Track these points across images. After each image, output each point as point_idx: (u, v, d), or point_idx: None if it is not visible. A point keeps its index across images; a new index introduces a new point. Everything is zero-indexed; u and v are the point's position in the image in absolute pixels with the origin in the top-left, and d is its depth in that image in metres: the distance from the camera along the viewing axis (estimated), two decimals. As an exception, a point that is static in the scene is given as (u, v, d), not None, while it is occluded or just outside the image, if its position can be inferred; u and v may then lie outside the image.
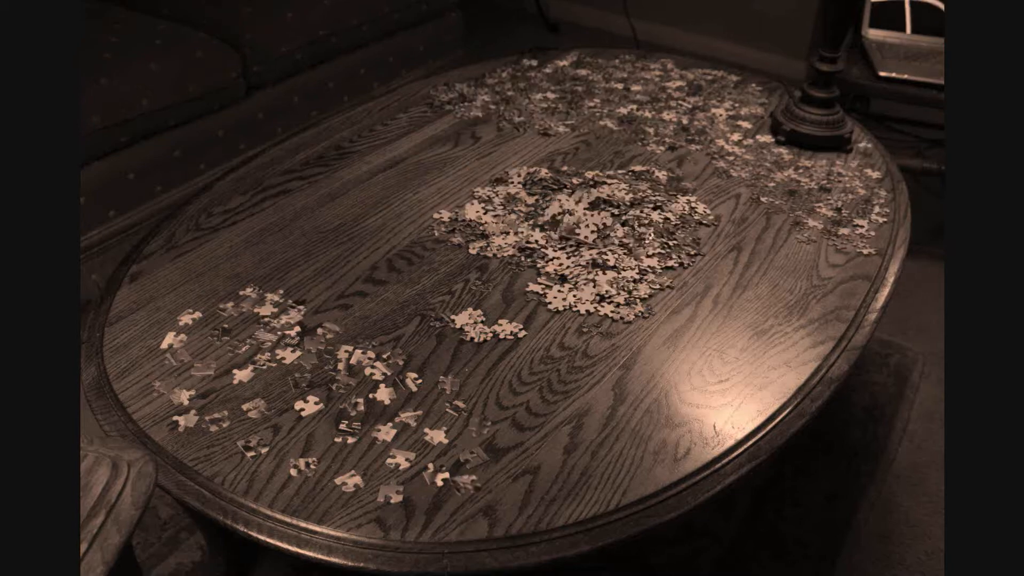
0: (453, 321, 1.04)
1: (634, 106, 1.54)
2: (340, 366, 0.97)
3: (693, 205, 1.27)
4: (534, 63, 1.68)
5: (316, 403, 0.92)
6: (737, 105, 1.57)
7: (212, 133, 1.95)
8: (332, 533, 0.80)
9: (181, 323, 1.02)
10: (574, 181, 1.30)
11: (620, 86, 1.61)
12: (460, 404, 0.93)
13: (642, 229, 1.21)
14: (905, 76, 2.12)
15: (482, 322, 1.04)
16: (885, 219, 1.27)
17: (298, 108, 2.15)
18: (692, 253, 1.17)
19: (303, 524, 0.81)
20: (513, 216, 1.21)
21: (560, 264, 1.13)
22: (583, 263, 1.14)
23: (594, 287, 1.10)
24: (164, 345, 0.99)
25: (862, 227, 1.25)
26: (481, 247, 1.16)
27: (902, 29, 2.32)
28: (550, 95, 1.56)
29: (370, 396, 0.94)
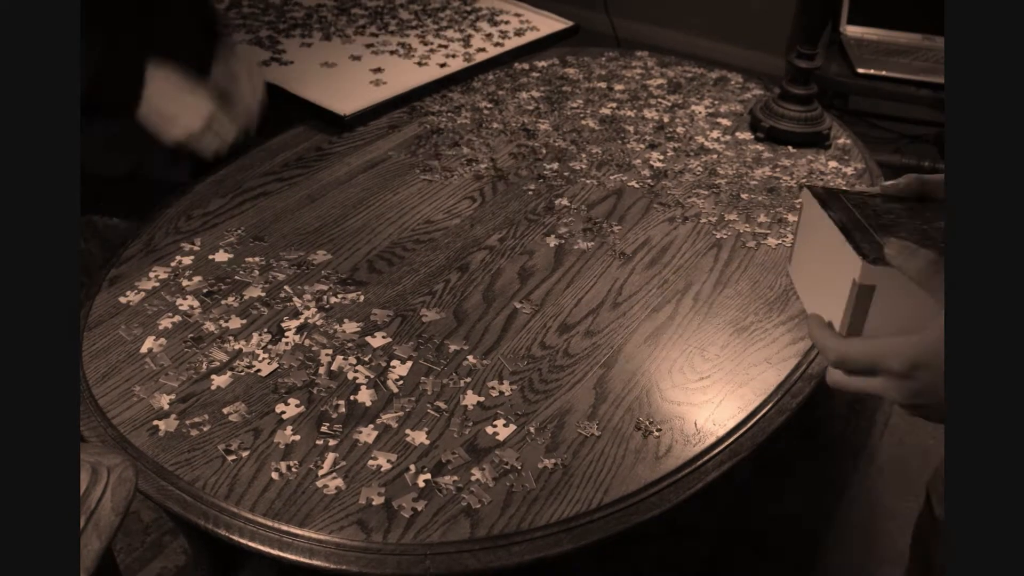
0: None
1: (614, 104, 1.54)
2: (321, 369, 0.97)
3: (679, 200, 1.28)
4: (525, 66, 1.67)
5: (297, 406, 0.92)
6: (716, 102, 1.57)
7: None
8: (314, 536, 0.80)
9: (161, 327, 1.02)
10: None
11: (603, 85, 1.61)
12: (441, 405, 0.93)
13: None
14: (883, 73, 2.14)
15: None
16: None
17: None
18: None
19: (284, 527, 0.80)
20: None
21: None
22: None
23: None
24: (144, 350, 0.99)
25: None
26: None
27: (880, 25, 2.34)
28: (536, 94, 1.56)
29: (351, 398, 0.93)
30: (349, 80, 1.52)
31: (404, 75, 1.56)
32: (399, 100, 1.50)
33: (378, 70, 1.56)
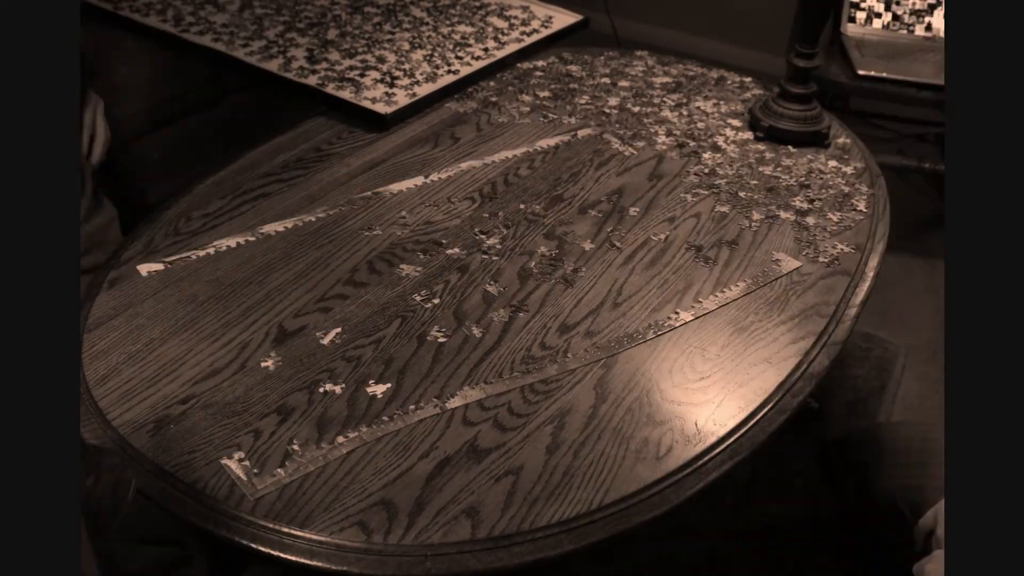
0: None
1: (618, 102, 1.54)
2: (322, 371, 0.97)
3: (680, 200, 1.28)
4: (528, 65, 1.67)
5: (298, 406, 0.92)
6: (718, 102, 1.57)
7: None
8: (314, 537, 0.80)
9: (161, 329, 1.01)
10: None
11: (607, 80, 1.61)
12: (442, 404, 0.93)
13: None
14: (884, 74, 2.14)
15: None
16: (864, 214, 1.28)
17: (277, 109, 2.14)
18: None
19: (285, 529, 0.80)
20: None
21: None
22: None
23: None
24: (144, 351, 0.99)
25: (841, 222, 1.25)
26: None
27: (881, 26, 2.34)
28: (541, 93, 1.56)
29: (352, 398, 0.93)
30: (381, 80, 1.53)
31: (429, 71, 1.56)
32: (432, 98, 1.51)
33: (406, 70, 1.56)
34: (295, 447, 0.87)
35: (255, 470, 0.85)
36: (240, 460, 0.86)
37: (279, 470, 0.85)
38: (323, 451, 0.87)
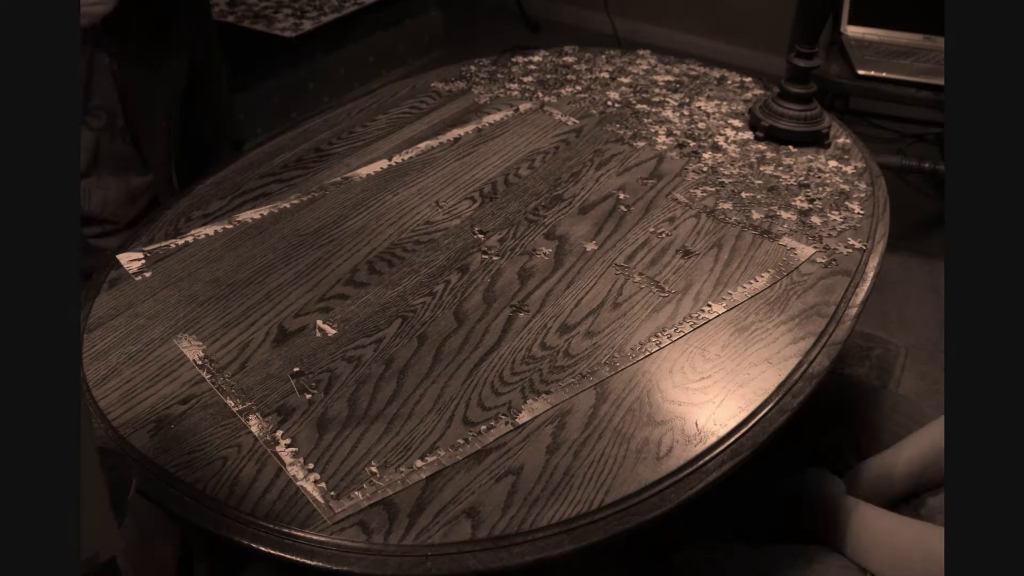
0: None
1: (618, 97, 1.54)
2: (322, 371, 0.97)
3: (680, 200, 1.28)
4: (517, 61, 1.67)
5: (298, 407, 0.92)
6: (719, 102, 1.57)
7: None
8: (315, 537, 0.80)
9: (161, 329, 1.02)
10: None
11: (608, 80, 1.61)
12: (442, 405, 0.93)
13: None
14: (884, 74, 2.14)
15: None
16: (864, 214, 1.28)
17: (278, 110, 2.15)
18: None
19: (285, 529, 0.80)
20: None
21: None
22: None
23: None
24: (144, 351, 0.99)
25: (840, 222, 1.25)
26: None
27: (881, 26, 2.34)
28: (542, 93, 1.56)
29: (352, 398, 0.93)
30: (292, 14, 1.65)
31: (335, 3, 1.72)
32: (341, 22, 1.65)
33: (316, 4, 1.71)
34: (373, 469, 0.86)
35: (332, 492, 0.84)
36: (316, 482, 0.84)
37: (356, 493, 0.83)
38: (402, 475, 0.85)
